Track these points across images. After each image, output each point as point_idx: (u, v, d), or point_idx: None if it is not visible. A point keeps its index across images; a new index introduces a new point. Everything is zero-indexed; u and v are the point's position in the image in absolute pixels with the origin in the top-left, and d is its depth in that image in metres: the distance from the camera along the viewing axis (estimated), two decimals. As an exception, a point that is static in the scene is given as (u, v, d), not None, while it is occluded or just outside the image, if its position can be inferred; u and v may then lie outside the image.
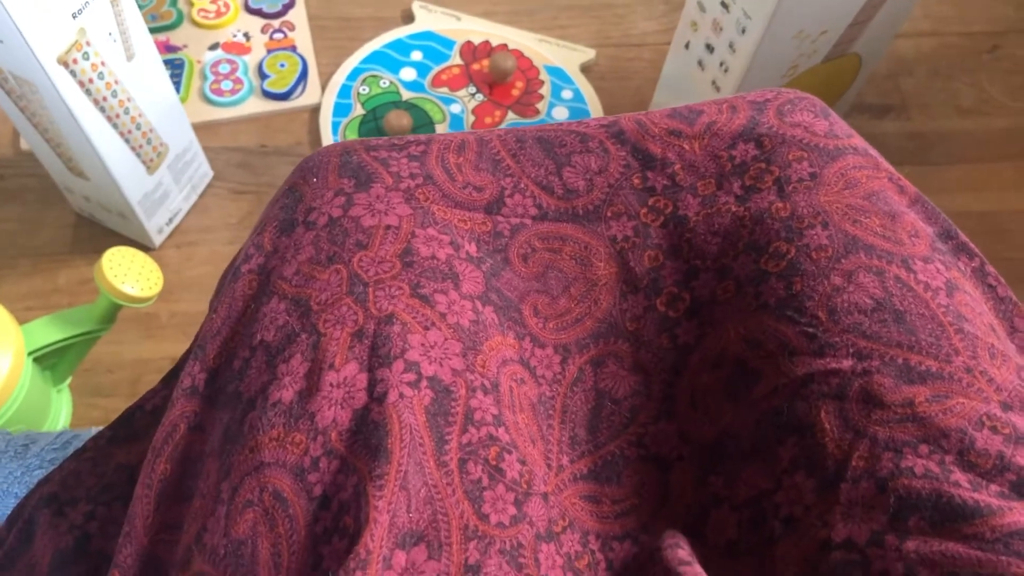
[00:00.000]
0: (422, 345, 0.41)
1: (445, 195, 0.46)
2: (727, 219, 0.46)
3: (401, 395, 0.39)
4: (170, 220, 1.05)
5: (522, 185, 0.48)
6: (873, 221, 0.44)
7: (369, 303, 0.41)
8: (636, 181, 0.48)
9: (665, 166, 0.47)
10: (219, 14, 1.21)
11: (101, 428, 0.53)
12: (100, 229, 1.06)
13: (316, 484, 0.37)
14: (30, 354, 0.83)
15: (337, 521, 0.37)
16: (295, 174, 0.48)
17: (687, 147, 0.48)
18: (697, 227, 0.47)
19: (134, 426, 0.52)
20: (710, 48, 0.96)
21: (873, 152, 0.48)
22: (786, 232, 0.44)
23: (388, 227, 0.44)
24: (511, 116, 1.14)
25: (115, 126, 0.90)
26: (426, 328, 0.41)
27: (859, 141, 0.48)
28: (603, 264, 0.47)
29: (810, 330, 0.42)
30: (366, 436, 0.38)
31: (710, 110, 0.49)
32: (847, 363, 0.41)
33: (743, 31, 0.89)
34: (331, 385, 0.39)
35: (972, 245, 0.47)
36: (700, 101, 0.50)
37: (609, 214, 0.48)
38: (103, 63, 0.85)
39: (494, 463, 0.40)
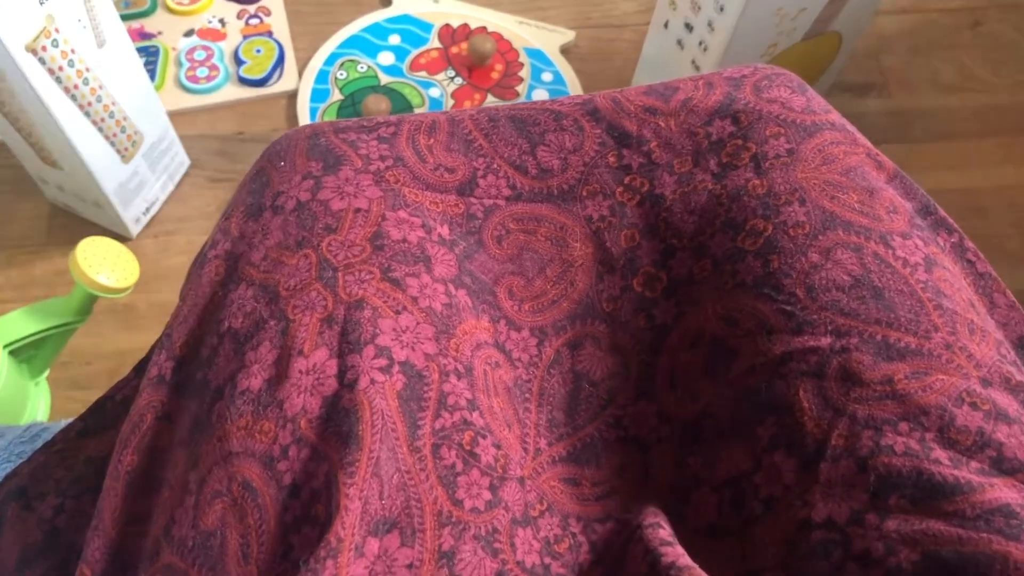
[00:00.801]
0: (393, 330, 0.40)
1: (416, 177, 0.46)
2: (704, 197, 0.46)
3: (372, 381, 0.38)
4: (147, 210, 1.04)
5: (495, 166, 0.47)
6: (851, 197, 0.44)
7: (339, 288, 0.40)
8: (611, 159, 0.47)
9: (641, 144, 0.47)
10: (194, 0, 1.19)
11: (71, 420, 0.52)
12: (76, 219, 1.05)
13: (286, 472, 0.37)
14: (6, 347, 0.82)
15: (308, 509, 0.36)
16: (263, 158, 0.47)
17: (663, 124, 0.47)
18: (674, 206, 0.46)
19: (105, 417, 0.51)
20: (689, 27, 0.95)
21: (851, 128, 0.48)
22: (763, 209, 0.44)
23: (358, 210, 0.43)
24: (491, 99, 1.13)
25: (87, 114, 0.88)
26: (397, 312, 0.40)
27: (836, 117, 0.48)
28: (579, 244, 0.47)
29: (788, 308, 0.41)
30: (337, 423, 0.37)
31: (686, 87, 0.48)
32: (825, 341, 0.40)
33: (721, 9, 0.88)
34: (300, 372, 0.38)
35: (951, 220, 0.47)
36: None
37: (584, 193, 0.47)
38: (73, 50, 0.83)
39: (468, 448, 0.39)
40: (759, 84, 0.48)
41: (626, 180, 0.47)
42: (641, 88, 0.49)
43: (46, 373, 0.92)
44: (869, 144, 0.47)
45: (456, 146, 0.47)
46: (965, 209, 1.09)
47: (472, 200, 0.46)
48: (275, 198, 0.44)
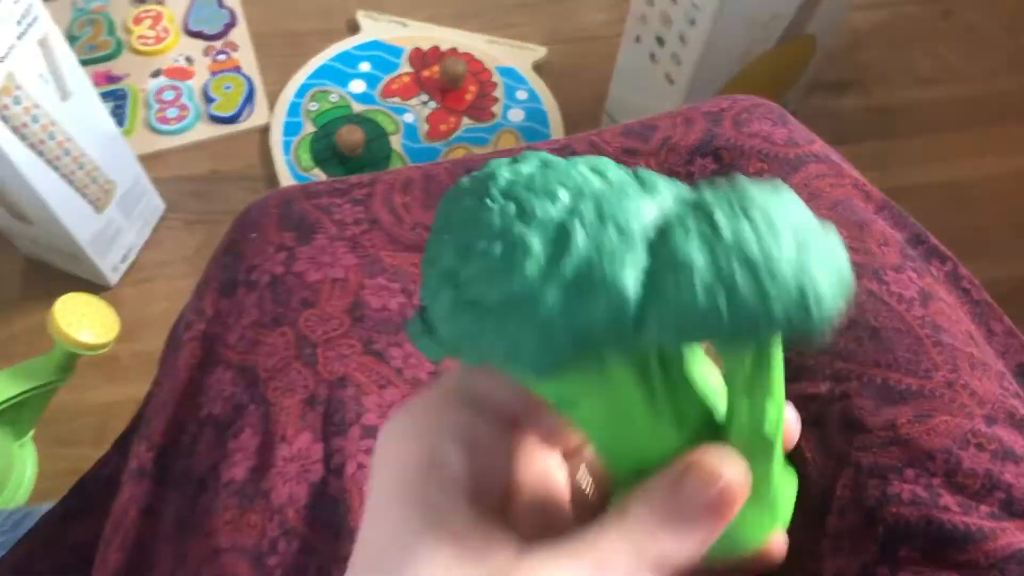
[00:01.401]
0: (379, 406, 0.38)
1: (393, 239, 0.44)
2: None
3: (360, 466, 0.37)
4: (124, 257, 1.02)
5: None
6: (840, 232, 0.43)
7: (319, 366, 0.39)
8: None
9: None
10: (159, 39, 1.17)
11: (52, 505, 0.50)
12: (53, 271, 1.03)
13: (276, 568, 0.35)
14: (-13, 412, 0.80)
15: None
16: (234, 229, 0.45)
17: (643, 164, 0.46)
18: None
19: (87, 497, 0.50)
20: (660, 41, 0.94)
21: (836, 157, 0.47)
22: None
23: (335, 280, 0.42)
24: (466, 122, 1.12)
25: (56, 168, 0.87)
26: (382, 387, 0.39)
27: (820, 147, 0.47)
28: None
29: (784, 354, 0.40)
30: (326, 513, 0.36)
31: (664, 125, 0.47)
32: (824, 387, 0.39)
33: (692, 22, 0.87)
34: (284, 459, 0.37)
35: (943, 248, 0.46)
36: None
37: None
38: (37, 105, 0.82)
39: None
40: (739, 118, 0.47)
41: None
42: (618, 128, 0.48)
43: (31, 433, 0.91)
44: (855, 174, 0.46)
45: (433, 202, 0.46)
46: (949, 202, 1.08)
47: None
48: (249, 273, 0.42)
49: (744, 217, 0.21)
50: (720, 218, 0.21)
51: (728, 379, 0.23)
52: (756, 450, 0.23)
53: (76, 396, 0.96)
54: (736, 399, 0.23)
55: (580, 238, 0.20)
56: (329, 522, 0.35)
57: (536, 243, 0.21)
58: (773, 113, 0.47)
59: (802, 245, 0.21)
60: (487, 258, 0.21)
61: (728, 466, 0.22)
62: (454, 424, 0.23)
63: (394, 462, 0.23)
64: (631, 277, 0.20)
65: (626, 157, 0.46)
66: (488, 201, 0.22)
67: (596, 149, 0.46)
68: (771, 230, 0.21)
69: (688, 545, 0.21)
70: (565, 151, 0.47)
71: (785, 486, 0.26)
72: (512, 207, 0.21)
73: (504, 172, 0.22)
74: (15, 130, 0.80)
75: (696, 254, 0.20)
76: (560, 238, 0.21)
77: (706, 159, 0.45)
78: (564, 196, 0.21)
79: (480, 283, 0.21)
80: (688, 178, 0.45)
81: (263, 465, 0.37)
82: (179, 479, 0.39)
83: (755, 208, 0.21)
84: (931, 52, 1.21)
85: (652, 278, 0.20)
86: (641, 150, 0.46)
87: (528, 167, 0.22)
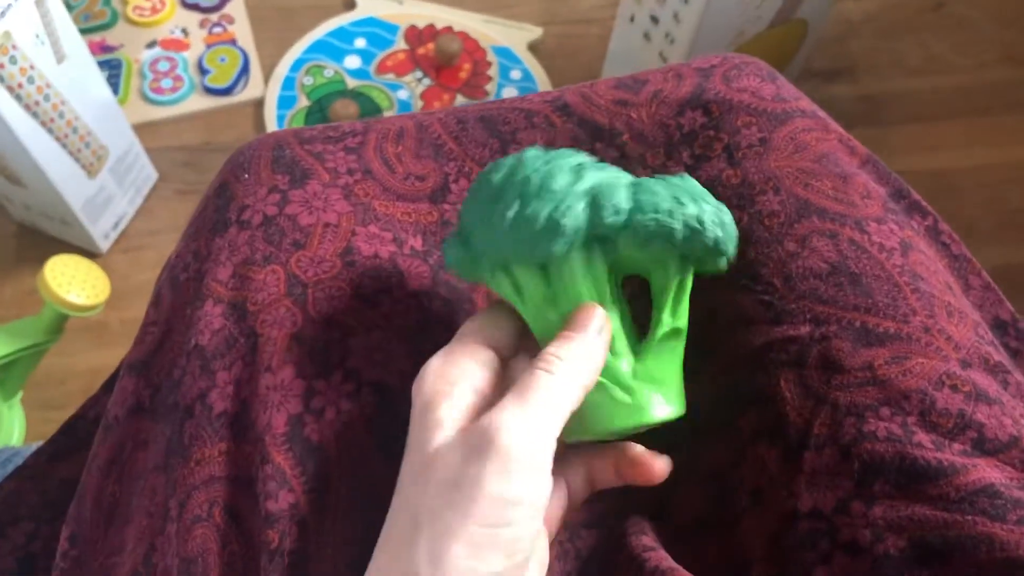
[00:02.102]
0: (365, 348, 0.39)
1: (386, 188, 0.45)
2: None
3: (338, 411, 0.37)
4: (115, 224, 1.03)
5: (467, 168, 0.46)
6: (824, 184, 0.43)
7: (308, 306, 0.40)
8: None
9: (614, 137, 0.46)
10: (155, 11, 1.18)
11: (42, 443, 0.51)
12: (44, 237, 1.03)
13: (267, 500, 0.36)
14: (-25, 371, 0.80)
15: (281, 542, 0.35)
16: (225, 170, 0.45)
17: (635, 116, 0.46)
18: None
19: (77, 437, 0.50)
20: (655, 20, 0.95)
21: (822, 114, 0.47)
22: (738, 199, 0.43)
23: (327, 225, 0.42)
24: (460, 99, 1.12)
25: (50, 131, 0.87)
26: (369, 330, 0.40)
27: (807, 104, 0.47)
28: None
29: (766, 298, 0.41)
30: (302, 452, 0.36)
31: (655, 78, 0.48)
32: (805, 329, 0.40)
33: (686, 0, 0.88)
34: (267, 388, 0.38)
35: (925, 203, 0.47)
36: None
37: None
38: (32, 66, 0.82)
39: None
40: (728, 74, 0.47)
41: None
42: (610, 81, 0.48)
43: (19, 395, 0.91)
44: (841, 130, 0.47)
45: (425, 152, 0.46)
46: (936, 191, 1.09)
47: (446, 207, 0.46)
48: (240, 212, 0.43)
49: (673, 182, 0.36)
50: (667, 177, 0.36)
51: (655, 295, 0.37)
52: (647, 348, 0.37)
53: (65, 361, 0.96)
54: (657, 308, 0.37)
55: (591, 174, 0.35)
56: (303, 463, 0.36)
57: (561, 175, 0.34)
58: (762, 71, 0.48)
59: (701, 197, 0.36)
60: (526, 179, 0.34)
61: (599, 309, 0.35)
62: (478, 354, 0.34)
63: (441, 376, 0.33)
64: (624, 196, 0.34)
65: (617, 108, 0.47)
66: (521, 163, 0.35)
67: (587, 101, 0.47)
68: (687, 184, 0.36)
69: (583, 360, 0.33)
70: (558, 101, 0.47)
71: (654, 398, 0.36)
72: (541, 161, 0.35)
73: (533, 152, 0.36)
74: (10, 90, 0.80)
75: (659, 186, 0.35)
76: (579, 172, 0.35)
77: (696, 112, 0.46)
78: (575, 159, 0.35)
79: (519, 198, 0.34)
80: (678, 130, 0.46)
81: (251, 396, 0.38)
82: (169, 411, 0.40)
83: (676, 179, 0.36)
84: (921, 42, 1.23)
85: (634, 199, 0.34)
86: (632, 101, 0.47)
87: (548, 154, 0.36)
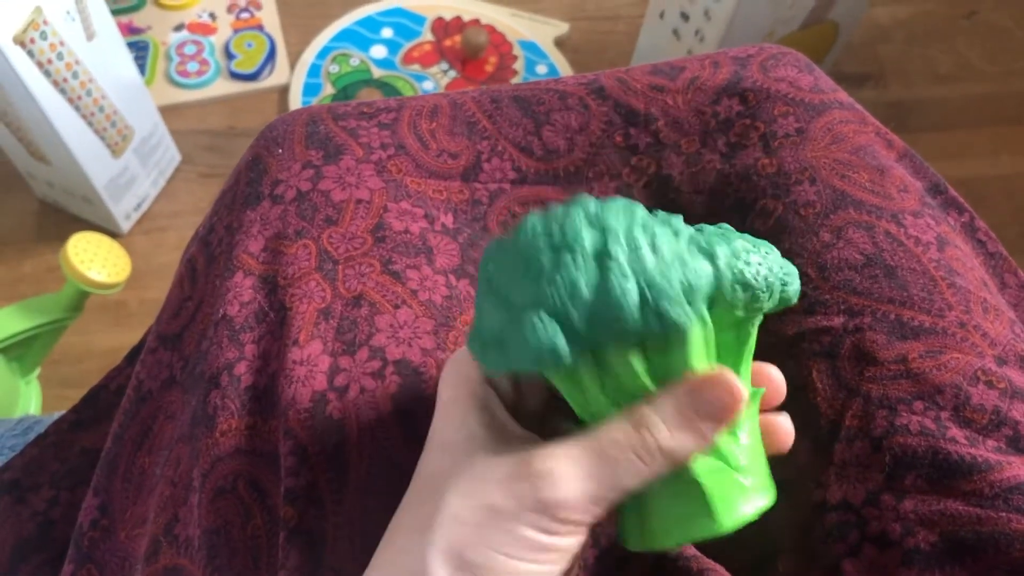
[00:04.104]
0: (391, 326, 0.39)
1: (418, 165, 0.45)
2: (712, 177, 0.45)
3: (362, 389, 0.37)
4: (138, 205, 1.03)
5: (499, 148, 0.46)
6: (861, 176, 0.43)
7: (338, 282, 0.39)
8: (618, 139, 0.46)
9: (648, 122, 0.46)
10: (183, -6, 1.18)
11: (63, 412, 0.50)
12: (65, 216, 1.03)
13: (282, 469, 0.36)
14: (-5, 344, 0.81)
15: (303, 516, 0.35)
16: (257, 144, 0.45)
17: (670, 102, 0.46)
18: (681, 186, 0.45)
19: (98, 408, 0.50)
20: (685, 16, 0.94)
21: (859, 107, 0.47)
22: (773, 189, 0.43)
23: (359, 201, 0.42)
24: (485, 92, 1.12)
25: (77, 108, 0.87)
26: (396, 307, 0.39)
27: (844, 96, 0.47)
28: None
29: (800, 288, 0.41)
30: (324, 429, 0.36)
31: (692, 65, 0.47)
32: (838, 320, 0.39)
33: (719, -3, 0.88)
34: (294, 362, 0.37)
35: (961, 200, 0.46)
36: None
37: (591, 175, 0.46)
38: (62, 43, 0.82)
39: None
40: (766, 63, 0.47)
41: (633, 161, 0.46)
42: (646, 67, 0.48)
43: (37, 371, 0.91)
44: (878, 123, 0.47)
45: (459, 129, 0.46)
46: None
47: (477, 185, 0.45)
48: (274, 187, 0.43)
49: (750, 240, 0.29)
50: (725, 230, 0.30)
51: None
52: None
53: (83, 339, 0.96)
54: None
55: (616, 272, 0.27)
56: (324, 440, 0.36)
57: (580, 280, 0.27)
58: (800, 61, 0.48)
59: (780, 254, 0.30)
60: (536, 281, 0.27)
61: (740, 384, 0.28)
62: None
63: (465, 376, 0.30)
64: (633, 294, 0.27)
65: (653, 93, 0.46)
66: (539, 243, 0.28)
67: (623, 84, 0.47)
68: (763, 243, 0.30)
69: (687, 438, 0.28)
70: (594, 83, 0.47)
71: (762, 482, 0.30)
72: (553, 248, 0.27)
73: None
74: (39, 65, 0.81)
75: (752, 246, 0.29)
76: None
77: (732, 100, 0.46)
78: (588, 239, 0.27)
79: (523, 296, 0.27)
80: (714, 117, 0.46)
81: (279, 369, 0.37)
82: (196, 381, 0.40)
83: (740, 236, 0.29)
84: (951, 50, 1.22)
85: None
86: (668, 87, 0.46)
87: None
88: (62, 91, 0.85)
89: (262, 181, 0.43)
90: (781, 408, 0.40)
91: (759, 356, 0.41)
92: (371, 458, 0.36)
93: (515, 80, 1.13)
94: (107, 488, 0.42)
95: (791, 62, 0.47)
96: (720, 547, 0.39)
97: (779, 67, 0.47)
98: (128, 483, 0.41)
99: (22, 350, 0.86)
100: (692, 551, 0.37)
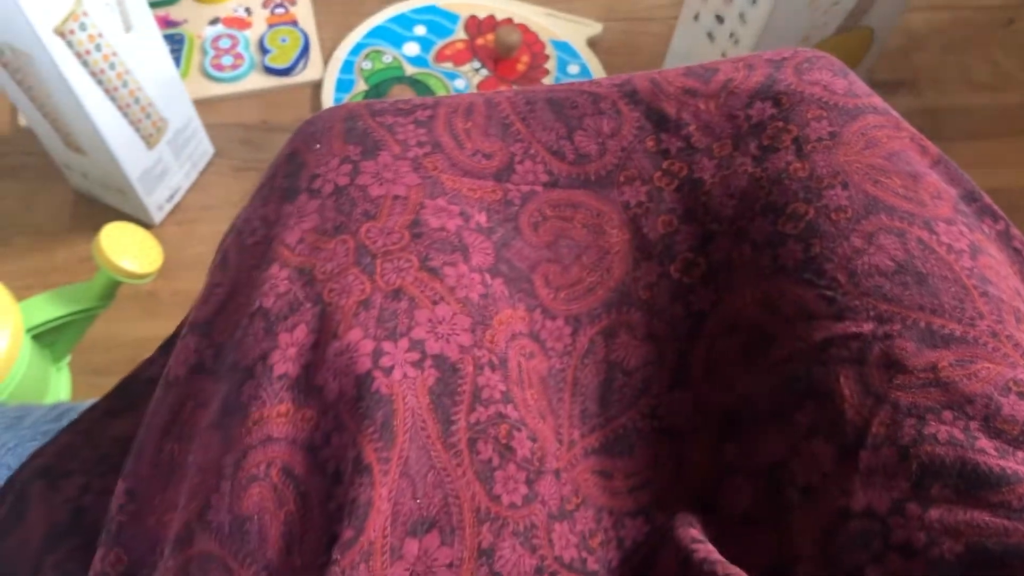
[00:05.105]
0: (429, 321, 0.39)
1: (454, 164, 0.45)
2: (744, 180, 0.45)
3: (405, 375, 0.37)
4: (170, 197, 1.04)
5: (532, 151, 0.46)
6: (894, 181, 0.43)
7: (376, 276, 0.40)
8: (650, 143, 0.46)
9: (680, 127, 0.46)
10: (219, -11, 1.19)
11: (96, 400, 0.51)
12: (99, 206, 1.05)
13: (328, 460, 0.36)
14: (28, 331, 0.82)
15: (344, 498, 0.35)
16: (296, 138, 0.46)
17: (703, 107, 0.46)
18: (713, 189, 0.45)
19: (131, 397, 0.51)
20: (720, 19, 0.94)
21: (894, 112, 0.47)
22: (804, 193, 0.43)
23: (396, 197, 0.42)
24: (516, 91, 1.12)
25: (113, 99, 0.88)
26: (434, 303, 0.39)
27: (879, 101, 0.47)
28: (616, 231, 0.46)
29: (829, 293, 0.40)
30: (370, 406, 0.36)
31: (726, 68, 0.47)
32: (868, 327, 0.39)
33: (754, 1, 0.87)
34: (335, 353, 0.37)
35: (996, 208, 0.46)
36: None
37: (622, 179, 0.46)
38: (100, 34, 0.83)
39: (504, 442, 0.38)
40: (800, 66, 0.47)
41: (664, 165, 0.46)
42: (680, 69, 0.48)
43: (67, 359, 0.92)
44: (912, 129, 0.46)
45: (494, 130, 0.46)
46: (996, 209, 1.07)
47: (509, 186, 0.46)
48: (311, 181, 0.43)
49: None
50: None
51: None
52: None
53: (114, 328, 0.97)
54: None
55: None
56: (371, 416, 0.36)
57: None
58: (834, 65, 0.47)
59: None
60: None
61: None
62: None
63: None
64: None
65: (686, 97, 0.46)
66: None
67: (656, 87, 0.47)
68: None
69: None
70: (626, 86, 0.47)
71: None
72: None
73: None
74: (78, 56, 0.82)
75: None
76: None
77: (765, 103, 0.45)
78: None
79: None
80: (747, 121, 0.45)
81: (317, 361, 0.38)
82: (229, 370, 0.40)
83: None
84: (988, 58, 1.20)
85: None
86: (701, 91, 0.46)
87: None
88: (99, 82, 0.86)
89: (300, 175, 0.44)
90: (805, 406, 0.40)
91: (787, 358, 0.41)
92: (411, 440, 0.36)
93: (547, 80, 1.13)
94: (135, 473, 0.42)
95: (826, 66, 0.47)
96: (738, 553, 0.39)
97: (813, 70, 0.46)
98: (156, 469, 0.42)
99: (54, 337, 0.88)
100: (717, 556, 0.37)
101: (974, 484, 0.35)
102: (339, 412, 0.36)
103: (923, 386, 0.37)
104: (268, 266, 0.41)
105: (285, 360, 0.38)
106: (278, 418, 0.37)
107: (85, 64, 0.83)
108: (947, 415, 0.36)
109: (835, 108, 0.45)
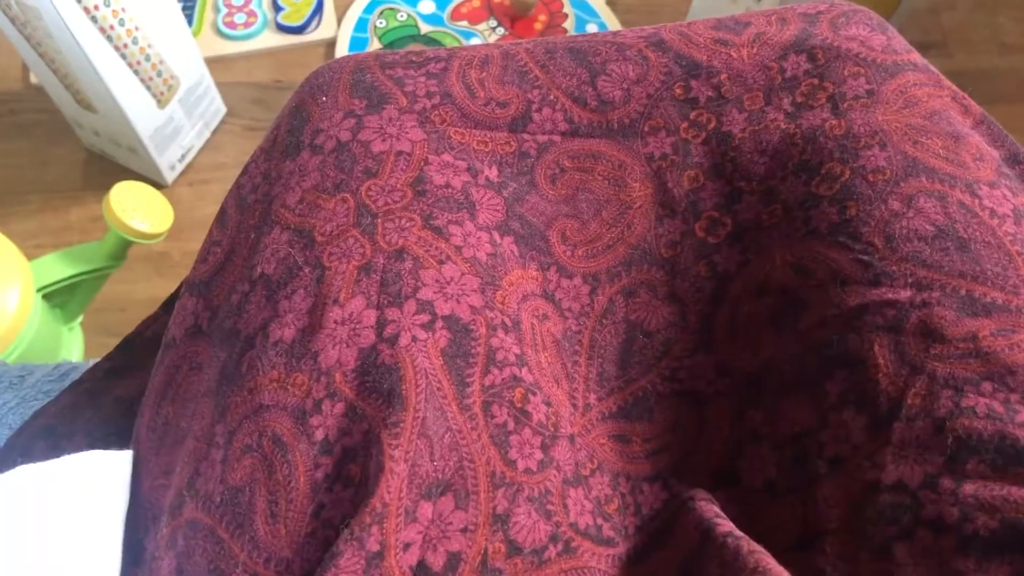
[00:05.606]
0: (436, 281, 0.37)
1: (464, 114, 0.43)
2: (776, 137, 0.43)
3: (414, 339, 0.36)
4: (182, 157, 1.03)
5: (551, 97, 0.44)
6: (935, 142, 0.41)
7: (378, 236, 0.38)
8: (678, 91, 0.44)
9: (711, 75, 0.44)
10: (232, -56, 1.17)
11: (99, 359, 0.50)
12: (111, 165, 1.03)
13: (318, 428, 0.35)
14: (39, 290, 0.81)
15: (340, 468, 0.34)
16: (303, 90, 0.44)
17: (735, 55, 0.44)
18: (743, 145, 0.43)
19: (133, 354, 0.50)
20: (745, -24, 0.91)
21: (934, 69, 0.45)
22: (840, 152, 0.41)
23: (399, 153, 0.41)
24: (534, 51, 1.10)
25: (123, 56, 0.87)
26: (440, 263, 0.38)
27: (918, 57, 0.45)
28: (638, 185, 0.44)
29: (865, 258, 0.39)
30: (376, 379, 0.35)
31: (758, 21, 0.45)
32: (905, 294, 0.37)
33: (781, -44, 0.84)
34: (335, 322, 0.36)
35: (1041, 171, 0.44)
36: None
37: (647, 129, 0.44)
38: (110, -12, 0.81)
39: (519, 406, 0.37)
40: (836, 20, 0.45)
41: (692, 115, 0.44)
42: (710, 22, 0.46)
43: (79, 319, 0.92)
44: (954, 87, 0.44)
45: (510, 78, 0.44)
46: None
47: (525, 136, 0.44)
48: (314, 136, 0.41)
49: None
50: None
51: None
52: None
53: (126, 288, 0.97)
54: None
55: None
56: (378, 388, 0.35)
57: None
58: (872, 20, 0.45)
59: None
60: None
61: None
62: None
63: None
64: None
65: (717, 46, 0.44)
66: None
67: (685, 38, 0.45)
68: None
69: None
70: (653, 36, 0.45)
71: None
72: None
73: None
74: (86, 11, 0.80)
75: None
76: None
77: (800, 57, 0.43)
78: None
79: None
80: (780, 74, 0.43)
81: (313, 326, 0.36)
82: (227, 337, 0.39)
83: None
84: (1020, 18, 1.17)
85: None
86: (732, 41, 0.44)
87: None
88: (108, 38, 0.84)
89: (303, 130, 0.42)
90: (836, 375, 0.38)
91: (818, 324, 0.40)
92: (427, 400, 0.35)
93: (565, 39, 1.11)
94: (136, 438, 0.41)
95: (863, 20, 0.45)
96: (767, 526, 0.38)
97: (850, 25, 0.44)
98: (152, 432, 0.41)
99: (65, 297, 0.87)
100: (740, 532, 0.36)
101: (1013, 459, 0.33)
102: (333, 380, 0.35)
103: (962, 356, 0.36)
104: (269, 229, 0.40)
105: (281, 326, 0.37)
106: (270, 384, 0.36)
107: (94, 20, 0.81)
108: (986, 387, 0.35)
109: (873, 64, 0.43)
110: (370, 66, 0.44)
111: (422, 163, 0.41)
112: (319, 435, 0.35)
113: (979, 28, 1.16)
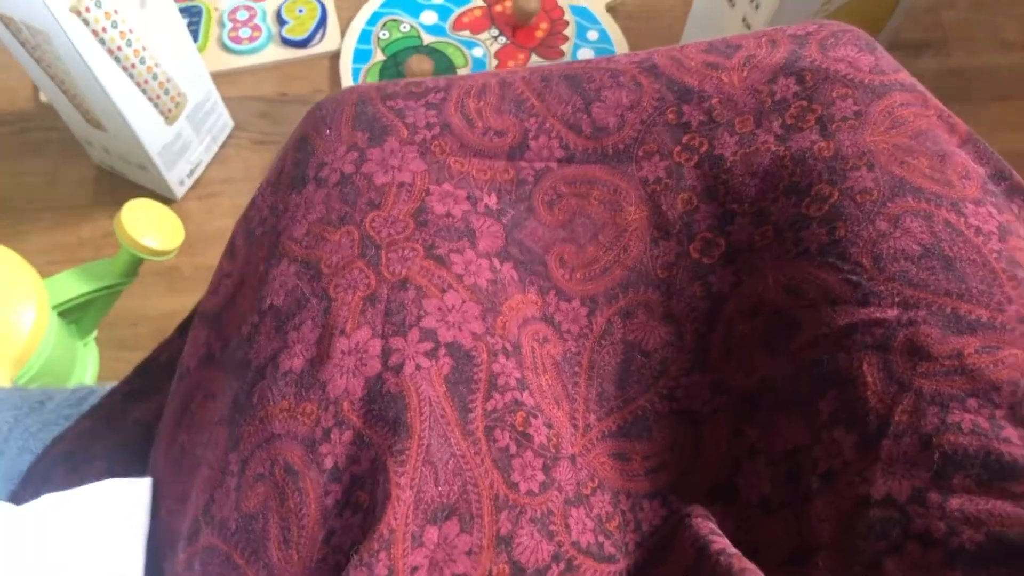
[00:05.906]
0: (439, 310, 0.39)
1: (463, 144, 0.44)
2: (766, 159, 0.44)
3: (418, 367, 0.37)
4: (191, 172, 1.04)
5: (547, 125, 0.45)
6: (921, 162, 0.42)
7: (382, 267, 0.39)
8: (671, 116, 0.45)
9: (702, 99, 0.45)
10: (235, -41, 1.18)
11: (117, 383, 0.52)
12: (121, 181, 1.05)
13: (327, 456, 0.36)
14: (54, 308, 0.82)
15: (348, 495, 0.35)
16: (307, 122, 0.45)
17: (725, 79, 0.45)
18: (734, 167, 0.44)
19: (150, 379, 0.51)
20: (742, -17, 0.92)
21: (921, 88, 0.45)
22: (829, 174, 0.42)
23: (401, 184, 0.42)
24: (535, 59, 1.11)
25: (131, 76, 0.88)
26: (443, 291, 0.39)
27: (906, 77, 0.46)
28: (633, 208, 0.45)
29: (854, 278, 0.40)
30: (381, 407, 0.36)
31: (748, 44, 0.46)
32: (892, 312, 0.38)
33: (777, -36, 0.85)
34: (342, 352, 0.37)
35: (1028, 186, 0.45)
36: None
37: (640, 153, 0.45)
38: (116, 11, 0.83)
39: (521, 429, 0.38)
40: (825, 42, 0.46)
41: (684, 139, 0.45)
42: (701, 44, 0.47)
43: (94, 334, 0.93)
44: (941, 105, 0.45)
45: (507, 107, 0.45)
46: (1022, 171, 1.05)
47: (522, 164, 0.45)
48: (319, 169, 0.43)
49: None
50: None
51: None
52: None
53: (139, 303, 0.98)
54: None
55: None
56: (384, 416, 0.36)
57: None
58: (860, 40, 0.46)
59: None
60: None
61: None
62: None
63: None
64: None
65: (707, 71, 0.45)
66: None
67: (677, 63, 0.46)
68: None
69: None
70: (646, 62, 0.46)
71: None
72: None
73: None
74: (95, 34, 0.81)
75: None
76: None
77: (789, 79, 0.44)
78: None
79: None
80: (770, 96, 0.44)
81: (321, 356, 0.38)
82: (238, 367, 0.40)
83: None
84: (1019, 16, 1.17)
85: None
86: (723, 65, 0.45)
87: None
88: (116, 59, 0.85)
89: (308, 163, 0.44)
90: (827, 393, 0.39)
91: (810, 344, 0.41)
92: (431, 428, 0.36)
93: (566, 46, 1.12)
94: (154, 465, 0.43)
95: (851, 40, 0.46)
96: (762, 540, 0.39)
97: (839, 46, 0.45)
98: (168, 459, 0.42)
99: (80, 313, 0.88)
100: (733, 550, 0.37)
101: (997, 474, 0.35)
102: (341, 409, 0.37)
103: (947, 373, 0.37)
104: (278, 262, 0.41)
105: (291, 357, 0.38)
106: (280, 413, 0.37)
107: (102, 42, 0.83)
108: (971, 403, 0.36)
109: (861, 86, 0.44)
110: (372, 98, 0.45)
111: (423, 193, 0.42)
112: (328, 463, 0.36)
113: (978, 26, 1.16)
